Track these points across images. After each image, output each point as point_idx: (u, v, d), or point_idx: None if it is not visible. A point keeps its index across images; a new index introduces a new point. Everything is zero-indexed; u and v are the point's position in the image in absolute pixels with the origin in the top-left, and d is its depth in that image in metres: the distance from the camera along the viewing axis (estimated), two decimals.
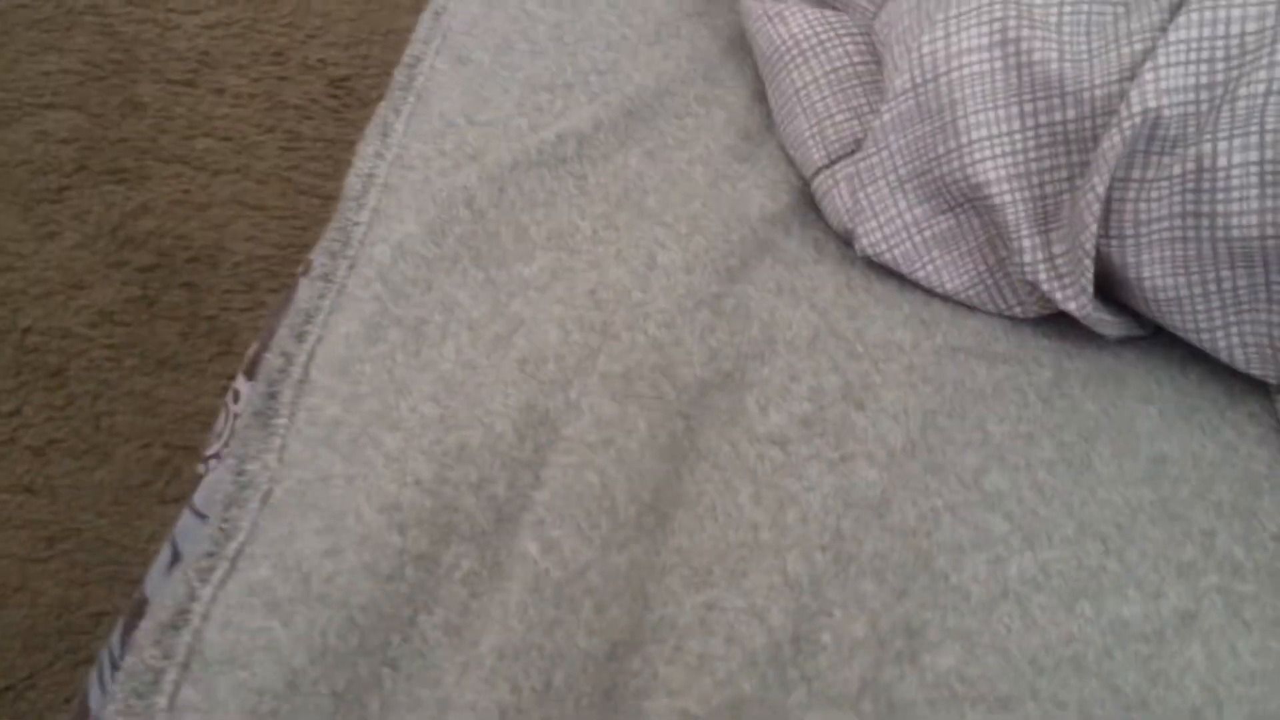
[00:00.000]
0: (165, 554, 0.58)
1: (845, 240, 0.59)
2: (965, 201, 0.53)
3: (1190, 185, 0.48)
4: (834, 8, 0.62)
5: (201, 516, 0.56)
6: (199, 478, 0.63)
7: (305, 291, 0.58)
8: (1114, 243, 0.51)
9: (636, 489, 0.48)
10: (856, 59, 0.58)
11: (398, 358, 0.52)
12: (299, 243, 1.44)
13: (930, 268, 0.55)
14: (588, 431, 0.49)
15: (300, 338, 0.54)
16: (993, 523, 0.50)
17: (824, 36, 0.59)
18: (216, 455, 0.63)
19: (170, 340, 1.30)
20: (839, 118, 0.57)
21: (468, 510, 0.47)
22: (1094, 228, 0.49)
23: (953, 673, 0.46)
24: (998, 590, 0.48)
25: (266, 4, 1.75)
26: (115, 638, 0.56)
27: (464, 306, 0.54)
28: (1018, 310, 0.55)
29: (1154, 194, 0.49)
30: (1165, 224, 0.49)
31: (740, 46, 0.68)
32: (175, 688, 0.43)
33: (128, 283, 1.34)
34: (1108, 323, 0.53)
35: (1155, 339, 0.56)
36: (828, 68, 0.58)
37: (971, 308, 0.56)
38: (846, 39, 0.59)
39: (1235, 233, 0.47)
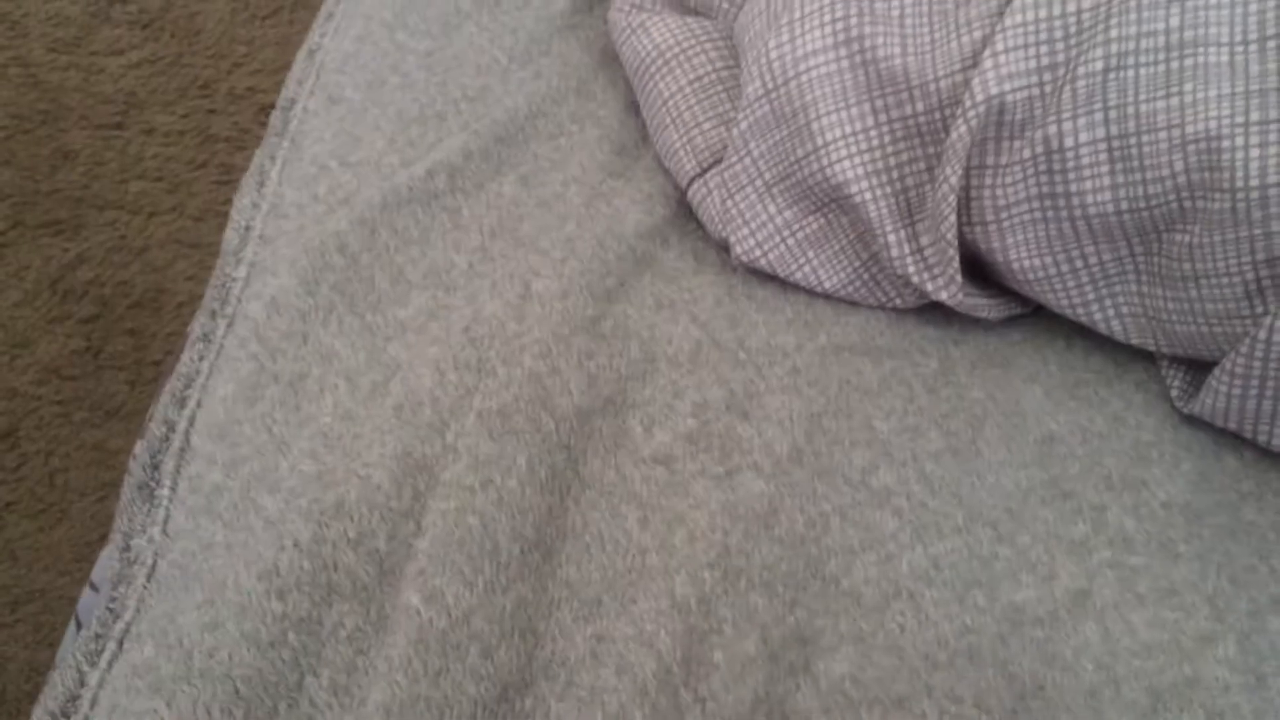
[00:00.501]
0: (71, 628, 0.57)
1: (724, 249, 0.58)
2: (831, 201, 0.53)
3: (1043, 168, 0.47)
4: (697, 14, 0.62)
5: (96, 590, 0.56)
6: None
7: (186, 355, 0.58)
8: (977, 229, 0.50)
9: (519, 527, 0.48)
10: (720, 65, 0.58)
11: (277, 415, 0.52)
12: None
13: (807, 268, 0.55)
14: (466, 474, 0.49)
15: (181, 404, 0.54)
16: (882, 520, 0.49)
17: (687, 45, 0.59)
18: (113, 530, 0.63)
19: (118, 390, 1.30)
20: (707, 125, 0.57)
21: (348, 567, 0.47)
22: (953, 218, 0.49)
23: (847, 678, 0.46)
24: (890, 589, 0.48)
25: (189, 37, 1.73)
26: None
27: (341, 356, 0.54)
28: (898, 302, 0.55)
29: (1009, 179, 0.48)
30: (1024, 207, 0.49)
31: (613, 58, 0.67)
32: None
33: (71, 335, 1.34)
34: (984, 306, 0.53)
35: (1040, 316, 0.56)
36: (692, 76, 0.58)
37: (854, 304, 0.56)
38: (709, 45, 0.58)
39: (1092, 210, 0.47)
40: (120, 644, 0.46)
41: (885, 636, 0.46)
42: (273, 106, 1.65)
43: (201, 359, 0.56)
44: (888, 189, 0.51)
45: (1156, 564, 0.48)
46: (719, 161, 0.57)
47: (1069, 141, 0.46)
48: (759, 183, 0.55)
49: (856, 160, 0.51)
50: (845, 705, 0.45)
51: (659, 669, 0.45)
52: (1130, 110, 0.46)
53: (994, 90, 0.47)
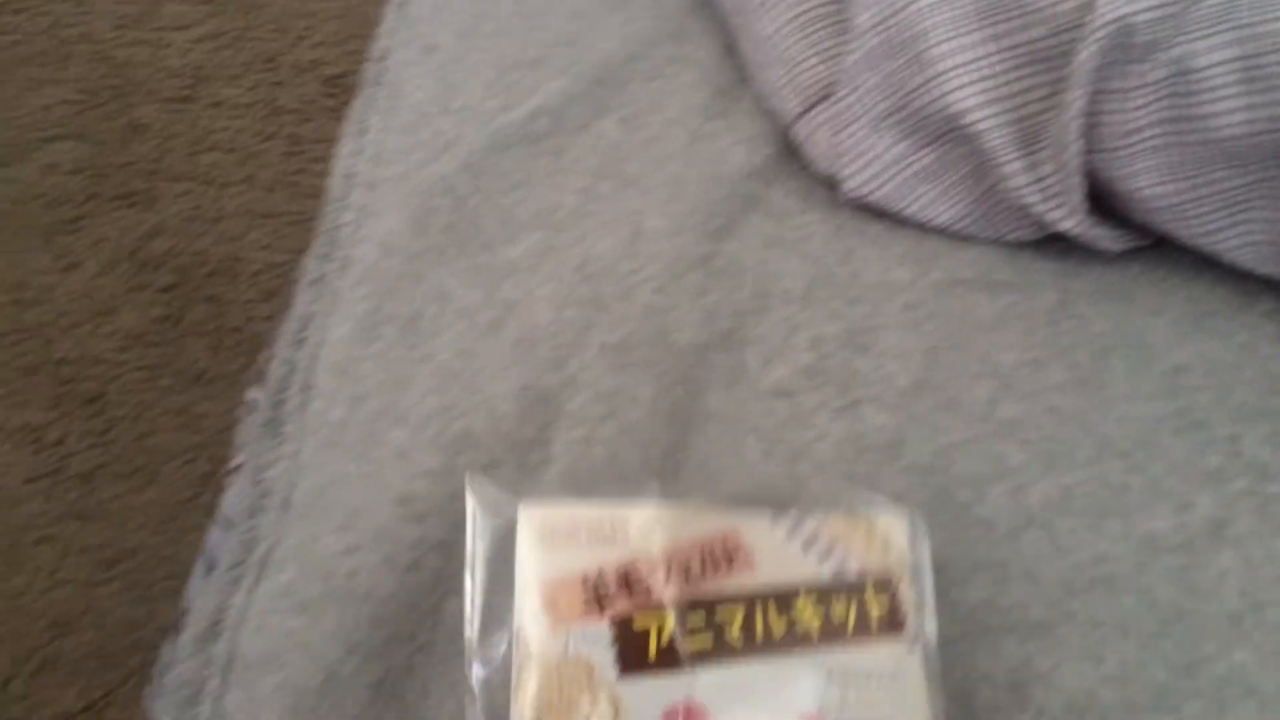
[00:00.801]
0: (201, 565, 0.59)
1: (831, 186, 0.58)
2: (947, 132, 0.52)
3: (1170, 90, 0.46)
4: None
5: (229, 526, 0.57)
6: (224, 491, 0.64)
7: (301, 297, 0.58)
8: (1102, 156, 0.49)
9: (645, 456, 0.48)
10: (820, 1, 0.57)
11: (396, 353, 0.53)
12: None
13: (921, 202, 0.54)
14: (590, 405, 0.49)
15: (299, 344, 0.55)
16: (1009, 452, 0.49)
17: None
18: (240, 466, 0.64)
19: (200, 356, 1.33)
20: (810, 62, 0.56)
21: None
22: (1079, 144, 0.48)
23: (985, 604, 0.45)
24: (1022, 518, 0.47)
25: (254, 10, 1.75)
26: (167, 650, 0.57)
27: (455, 296, 0.54)
28: (1015, 235, 0.54)
29: (1135, 103, 0.47)
30: (1151, 132, 0.48)
31: (703, 3, 0.66)
32: (218, 694, 0.44)
33: (152, 304, 1.36)
34: (1108, 237, 0.52)
35: (1161, 248, 0.55)
36: (792, 13, 0.57)
37: (968, 239, 0.55)
38: None
39: (1223, 133, 0.46)
40: (261, 569, 0.47)
41: (1021, 564, 0.46)
42: (339, 78, 1.67)
43: (316, 301, 0.57)
44: (1007, 116, 0.51)
45: None
46: (824, 98, 0.57)
47: (1199, 62, 0.45)
48: (870, 116, 0.54)
49: (974, 88, 0.50)
50: (984, 630, 0.45)
51: None
52: (1262, 29, 0.45)
53: (1121, 11, 0.46)
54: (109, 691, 1.11)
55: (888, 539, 0.40)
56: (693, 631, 0.37)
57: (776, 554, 0.39)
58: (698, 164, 0.58)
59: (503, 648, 0.38)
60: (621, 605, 0.37)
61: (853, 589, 0.39)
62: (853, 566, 0.39)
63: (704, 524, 0.39)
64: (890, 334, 0.52)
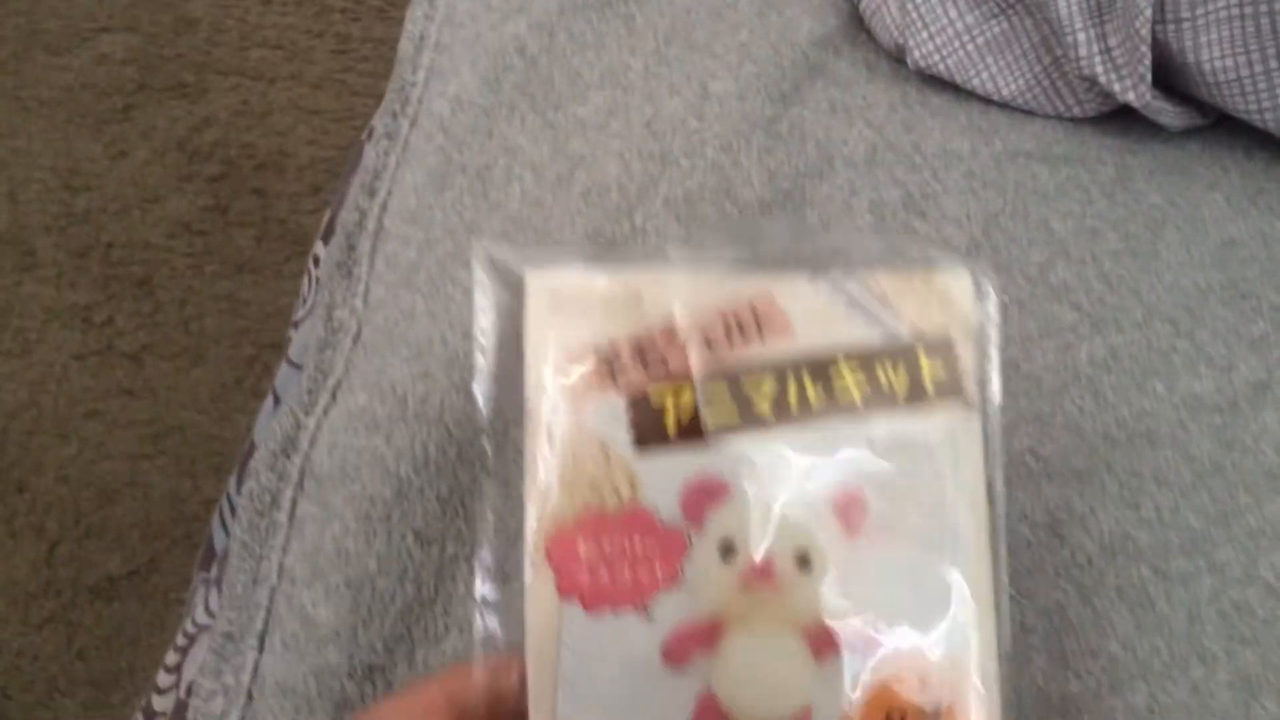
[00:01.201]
0: (268, 403, 0.61)
1: (896, 59, 0.59)
2: (1016, 2, 0.53)
3: None
4: None
5: (297, 366, 0.59)
6: (289, 340, 0.66)
7: (371, 151, 0.60)
8: (1170, 28, 0.50)
9: None
10: None
11: (466, 201, 0.54)
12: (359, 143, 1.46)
13: (985, 75, 0.55)
14: None
15: (371, 193, 0.57)
16: (1061, 313, 0.50)
17: None
18: (305, 318, 0.66)
19: (246, 245, 1.35)
20: None
21: None
22: (1149, 12, 0.49)
23: (1027, 452, 0.47)
24: (1068, 375, 0.49)
25: None
26: (231, 482, 0.60)
27: (525, 150, 0.56)
28: (1076, 110, 0.55)
29: None
30: (1222, 3, 0.48)
31: None
32: (293, 503, 0.47)
33: (200, 193, 1.39)
34: (1169, 112, 0.53)
35: (1218, 128, 0.55)
36: None
37: (1029, 112, 0.56)
38: None
39: None
40: (334, 394, 0.50)
41: (1064, 417, 0.48)
42: None
43: (388, 154, 0.58)
44: None
45: None
46: None
47: None
48: None
49: None
50: (1026, 475, 0.47)
51: None
52: None
53: None
54: (153, 559, 1.15)
55: (946, 295, 0.35)
56: (716, 404, 0.33)
57: (816, 317, 0.34)
58: (766, 32, 0.59)
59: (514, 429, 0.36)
60: (637, 378, 0.34)
61: (904, 352, 0.34)
62: (905, 328, 0.34)
63: (731, 289, 0.35)
64: (950, 200, 0.54)
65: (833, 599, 0.32)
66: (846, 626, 0.32)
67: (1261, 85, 0.50)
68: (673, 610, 0.32)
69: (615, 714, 0.32)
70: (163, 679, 0.53)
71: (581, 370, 0.35)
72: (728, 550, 0.32)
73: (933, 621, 0.32)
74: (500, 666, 0.33)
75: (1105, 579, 0.45)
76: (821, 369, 0.34)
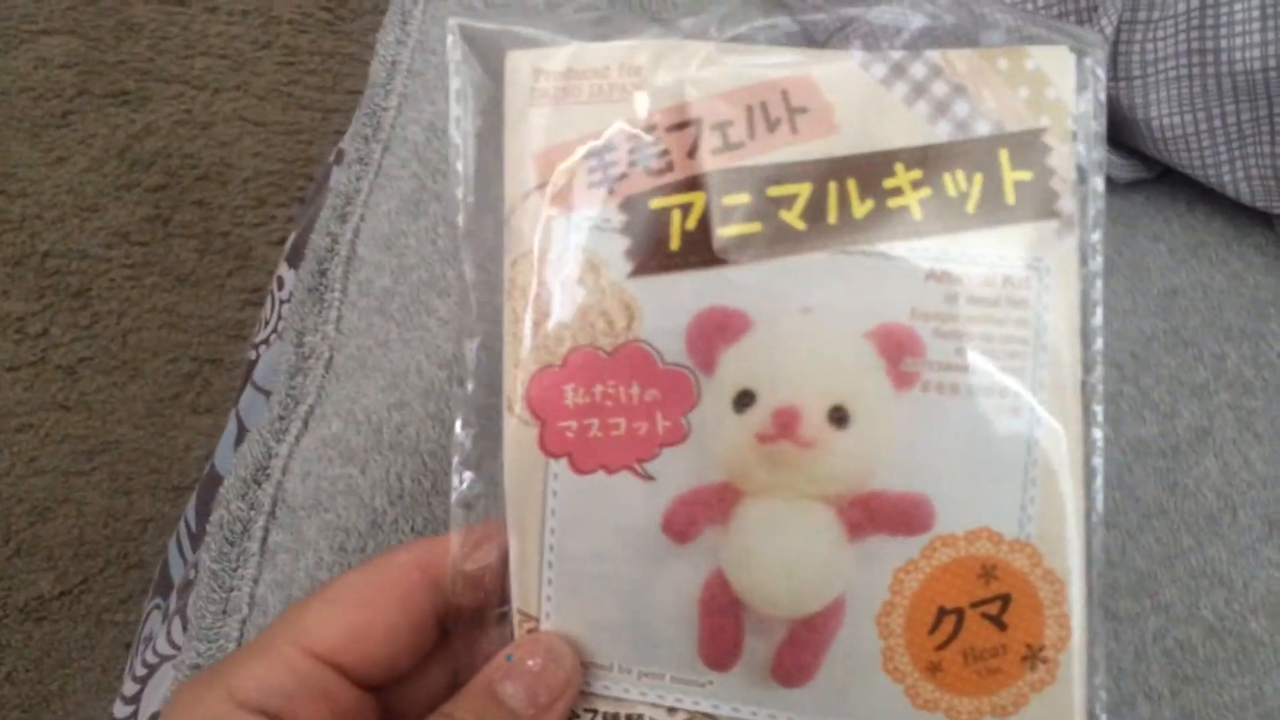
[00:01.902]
0: (230, 431, 0.61)
1: None
2: None
3: (1195, 22, 0.49)
4: None
5: (264, 392, 0.59)
6: (249, 363, 0.66)
7: (341, 176, 0.60)
8: (1122, 85, 0.53)
9: None
10: None
11: (440, 230, 0.55)
12: (304, 156, 1.45)
13: None
14: None
15: (343, 218, 0.57)
16: None
17: None
18: (266, 341, 0.66)
19: (187, 258, 1.33)
20: None
21: None
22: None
23: None
24: None
25: None
26: (189, 509, 0.59)
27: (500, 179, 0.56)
28: None
29: (1160, 33, 0.50)
30: (1171, 63, 0.51)
31: None
32: (265, 533, 0.46)
33: (140, 203, 1.36)
34: (1117, 165, 0.55)
35: (1162, 181, 0.58)
36: None
37: None
38: None
39: (1239, 67, 0.49)
40: (305, 422, 0.49)
41: None
42: None
43: (360, 179, 0.58)
44: None
45: (1273, 406, 0.51)
46: None
47: None
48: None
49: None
50: None
51: None
52: None
53: None
54: (86, 579, 1.12)
55: (1041, 80, 0.27)
56: (734, 214, 0.27)
57: (868, 107, 0.27)
58: None
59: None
60: (636, 181, 0.28)
61: (980, 153, 0.27)
62: (983, 122, 0.27)
63: (759, 68, 0.27)
64: None
65: (874, 463, 0.26)
66: (890, 498, 0.26)
67: (1205, 143, 0.53)
68: (677, 472, 0.27)
69: (608, 595, 0.28)
70: (119, 709, 0.52)
71: (569, 170, 0.29)
72: (745, 399, 0.27)
73: (1003, 493, 0.26)
74: (479, 535, 0.29)
75: None
76: (871, 174, 0.27)
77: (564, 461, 0.28)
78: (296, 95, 1.51)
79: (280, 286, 0.66)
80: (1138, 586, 0.47)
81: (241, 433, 0.59)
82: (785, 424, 0.26)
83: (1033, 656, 0.26)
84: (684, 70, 0.28)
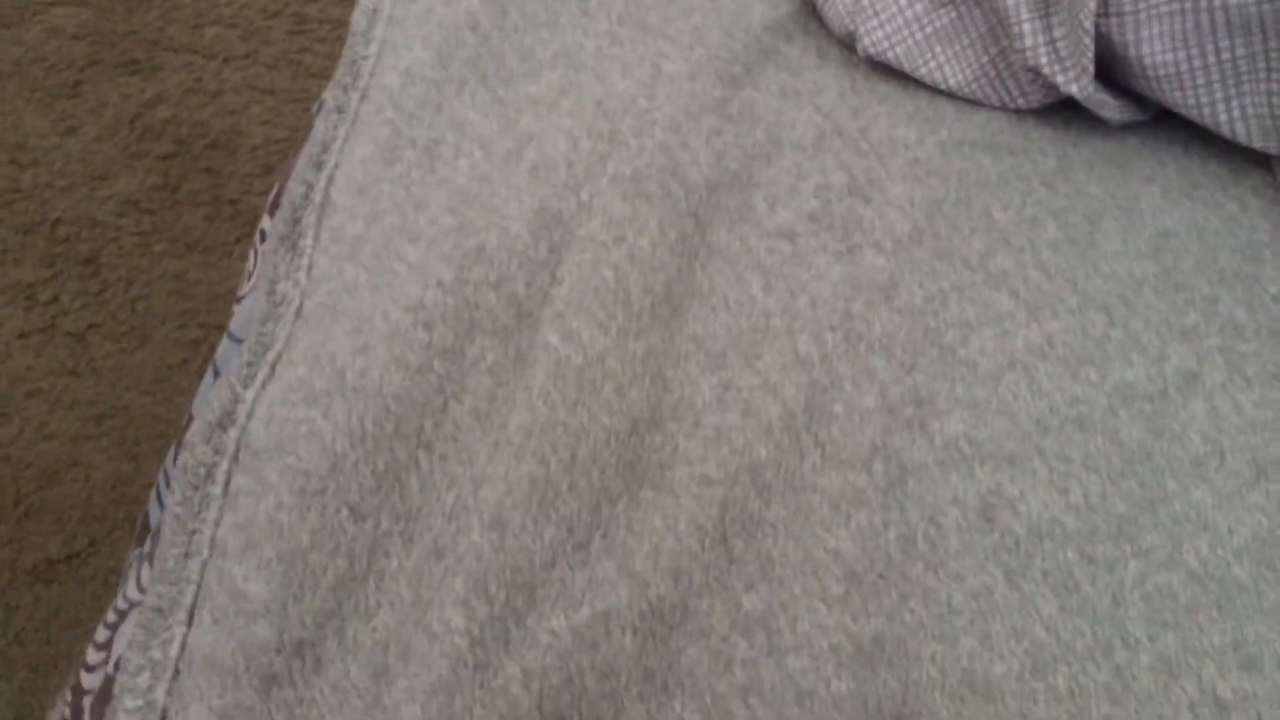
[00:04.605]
0: (208, 378, 0.60)
1: (847, 45, 0.59)
2: None
3: None
4: None
5: (238, 340, 0.58)
6: (233, 316, 0.65)
7: (320, 124, 0.59)
8: (1113, 21, 0.51)
9: (649, 282, 0.50)
10: None
11: (414, 175, 0.54)
12: None
13: (933, 64, 0.56)
14: (600, 230, 0.51)
15: (319, 166, 0.56)
16: (999, 300, 0.51)
17: None
18: (248, 294, 0.65)
19: (196, 225, 1.33)
20: None
21: (489, 307, 0.49)
22: (1092, 5, 0.50)
23: (961, 436, 0.48)
24: (1004, 361, 0.50)
25: None
26: (169, 458, 0.59)
27: (474, 125, 0.55)
28: (1021, 101, 0.56)
29: None
30: None
31: None
32: (228, 476, 0.46)
33: (150, 171, 1.36)
34: (1110, 105, 0.54)
35: (1158, 123, 0.56)
36: None
37: (975, 103, 0.57)
38: None
39: (1232, 0, 0.47)
40: (273, 368, 0.49)
41: (999, 402, 0.48)
42: None
43: (337, 127, 0.58)
44: None
45: (1266, 350, 0.49)
46: None
47: None
48: None
49: None
50: (959, 459, 0.47)
51: (783, 413, 0.47)
52: None
53: None
54: (93, 542, 1.13)
55: None
56: None
57: None
58: (719, 16, 0.59)
59: None
60: None
61: None
62: None
63: None
64: (894, 186, 0.54)
65: None
66: None
67: (1200, 80, 0.51)
68: None
69: None
70: (92, 656, 0.52)
71: None
72: None
73: None
74: None
75: (1033, 562, 0.45)
76: None
77: None
78: (305, 64, 1.50)
79: (263, 238, 0.65)
80: (1117, 531, 0.46)
81: (217, 380, 0.59)
82: None
83: None
84: None
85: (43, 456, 1.16)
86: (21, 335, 1.23)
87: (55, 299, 1.26)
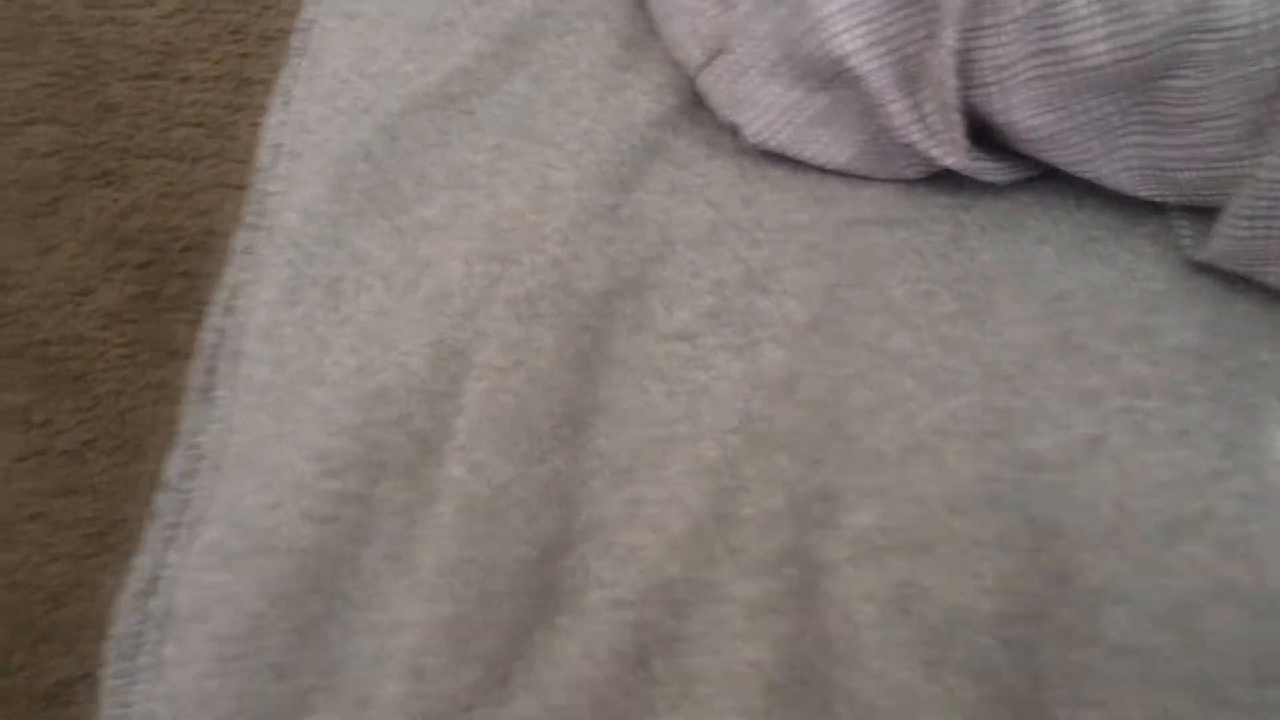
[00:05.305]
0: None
1: (734, 134, 0.59)
2: (834, 76, 0.54)
3: (1038, 23, 0.48)
4: None
5: (168, 490, 0.60)
6: None
7: (231, 267, 0.61)
8: (978, 92, 0.51)
9: (550, 404, 0.51)
10: None
11: (317, 315, 0.55)
12: None
13: (817, 146, 0.56)
14: (496, 356, 0.51)
15: (229, 312, 0.57)
16: (900, 381, 0.51)
17: None
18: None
19: (179, 330, 1.35)
20: (712, 13, 0.58)
21: (395, 446, 0.50)
22: (953, 81, 0.50)
23: (872, 528, 0.48)
24: (910, 444, 0.50)
25: None
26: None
27: (374, 257, 0.56)
28: (908, 173, 0.56)
29: (1005, 38, 0.49)
30: (1023, 65, 0.49)
31: None
32: (156, 646, 0.47)
33: (129, 281, 1.39)
34: (992, 170, 0.54)
35: (1049, 178, 0.56)
36: None
37: (865, 178, 0.57)
38: None
39: (1089, 62, 0.47)
40: (193, 528, 0.50)
41: (907, 488, 0.49)
42: None
43: (245, 270, 0.59)
44: (888, 59, 0.52)
45: (1169, 406, 0.49)
46: (722, 51, 0.58)
47: None
48: (764, 64, 0.56)
49: (856, 32, 0.52)
50: (871, 553, 0.47)
51: (691, 526, 0.48)
52: None
53: None
54: (105, 660, 1.15)
55: None
56: None
57: None
58: (606, 116, 0.60)
59: None
60: None
61: None
62: None
63: None
64: (790, 273, 0.54)
65: None
66: None
67: (1075, 139, 0.51)
68: None
69: None
70: None
71: None
72: None
73: None
74: None
75: (950, 652, 0.45)
76: None
77: None
78: None
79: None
80: (1034, 612, 0.46)
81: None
82: None
83: None
84: None
85: (50, 579, 1.18)
86: (20, 459, 1.26)
87: (49, 420, 1.28)
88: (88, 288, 1.39)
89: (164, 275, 1.40)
